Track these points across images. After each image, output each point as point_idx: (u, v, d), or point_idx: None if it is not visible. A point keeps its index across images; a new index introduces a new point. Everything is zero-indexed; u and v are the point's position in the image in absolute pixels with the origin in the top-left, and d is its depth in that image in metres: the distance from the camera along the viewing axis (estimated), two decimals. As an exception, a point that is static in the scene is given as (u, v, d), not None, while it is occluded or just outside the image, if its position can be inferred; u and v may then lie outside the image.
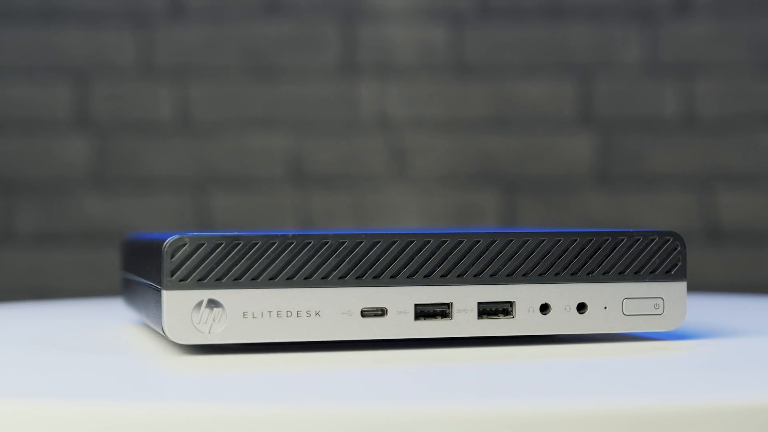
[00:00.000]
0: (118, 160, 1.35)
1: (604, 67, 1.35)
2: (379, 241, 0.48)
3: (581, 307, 0.50)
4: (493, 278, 0.49)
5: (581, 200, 1.35)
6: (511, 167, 1.35)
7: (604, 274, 0.50)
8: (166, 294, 0.46)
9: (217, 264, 0.47)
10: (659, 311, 0.51)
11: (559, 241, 0.50)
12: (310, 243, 0.48)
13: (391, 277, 0.49)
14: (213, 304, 0.47)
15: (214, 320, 0.47)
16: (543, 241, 0.50)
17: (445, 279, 0.49)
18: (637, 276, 0.50)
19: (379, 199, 1.35)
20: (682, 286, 0.51)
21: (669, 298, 0.51)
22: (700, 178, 1.34)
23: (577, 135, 1.35)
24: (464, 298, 0.49)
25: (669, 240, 0.51)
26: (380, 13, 1.35)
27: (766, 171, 1.35)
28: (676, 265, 0.51)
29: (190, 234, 0.47)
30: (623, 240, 0.50)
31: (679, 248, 0.51)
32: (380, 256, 0.48)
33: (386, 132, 1.35)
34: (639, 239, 0.50)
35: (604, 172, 1.35)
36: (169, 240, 0.47)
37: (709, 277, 1.34)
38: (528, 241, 0.50)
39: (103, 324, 0.65)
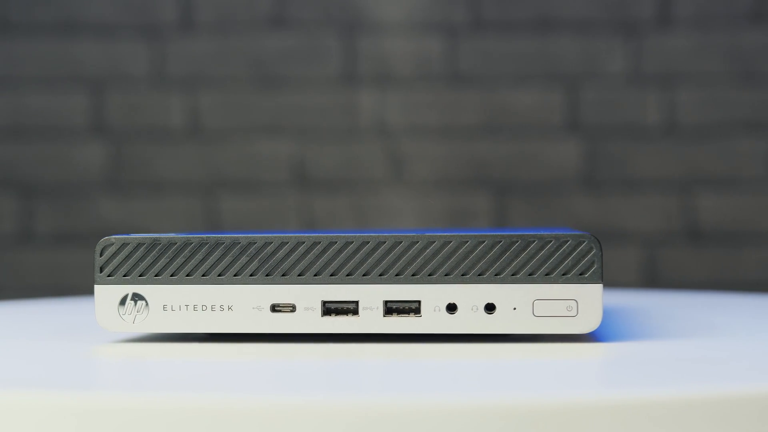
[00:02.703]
0: (132, 165, 1.36)
1: (590, 77, 1.35)
2: (287, 242, 0.51)
3: (490, 308, 0.49)
4: (398, 278, 0.50)
5: (568, 203, 1.35)
6: (502, 172, 1.35)
7: (513, 275, 0.49)
8: (96, 288, 0.51)
9: (140, 262, 0.51)
10: (573, 313, 0.49)
11: (467, 242, 0.49)
12: (223, 243, 0.51)
13: (299, 275, 0.50)
14: (137, 297, 0.51)
15: (137, 312, 0.51)
16: (449, 242, 0.50)
17: (351, 278, 0.50)
18: (549, 278, 0.49)
19: (378, 201, 1.35)
20: (597, 288, 0.49)
21: (583, 301, 0.49)
22: (681, 182, 1.34)
23: (565, 141, 1.35)
24: (370, 296, 0.50)
25: (583, 242, 0.49)
26: (379, 26, 1.36)
27: (744, 175, 1.34)
28: (591, 267, 0.49)
29: (117, 235, 0.51)
30: (534, 242, 0.49)
31: (594, 251, 0.49)
32: (288, 255, 0.51)
33: (385, 139, 1.36)
34: (551, 241, 0.49)
35: (590, 176, 1.35)
36: (99, 241, 0.52)
37: (689, 276, 1.34)
38: (434, 242, 0.50)
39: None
